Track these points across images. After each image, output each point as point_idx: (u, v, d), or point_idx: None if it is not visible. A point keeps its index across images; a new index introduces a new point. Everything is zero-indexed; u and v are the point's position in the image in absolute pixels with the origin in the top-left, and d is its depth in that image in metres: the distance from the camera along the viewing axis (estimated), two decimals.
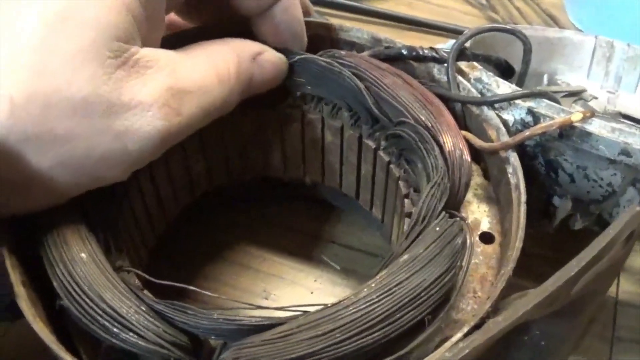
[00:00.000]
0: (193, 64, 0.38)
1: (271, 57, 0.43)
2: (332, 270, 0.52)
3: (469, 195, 0.43)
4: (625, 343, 0.52)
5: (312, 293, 0.50)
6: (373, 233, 0.53)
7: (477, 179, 0.44)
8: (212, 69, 0.39)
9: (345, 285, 0.51)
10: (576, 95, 0.55)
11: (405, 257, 0.35)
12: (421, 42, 0.48)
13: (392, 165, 0.44)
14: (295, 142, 0.49)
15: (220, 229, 0.54)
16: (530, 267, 0.35)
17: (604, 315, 0.53)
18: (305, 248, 0.53)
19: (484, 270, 0.39)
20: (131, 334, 0.32)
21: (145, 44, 0.36)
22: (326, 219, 0.55)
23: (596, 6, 0.77)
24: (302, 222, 0.55)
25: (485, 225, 0.41)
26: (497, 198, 0.42)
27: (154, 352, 0.33)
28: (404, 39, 0.66)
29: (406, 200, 0.41)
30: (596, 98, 0.56)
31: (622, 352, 0.51)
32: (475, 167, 0.45)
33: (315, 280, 0.51)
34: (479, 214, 0.42)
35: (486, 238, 0.40)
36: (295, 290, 0.51)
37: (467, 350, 0.29)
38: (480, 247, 0.40)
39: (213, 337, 0.34)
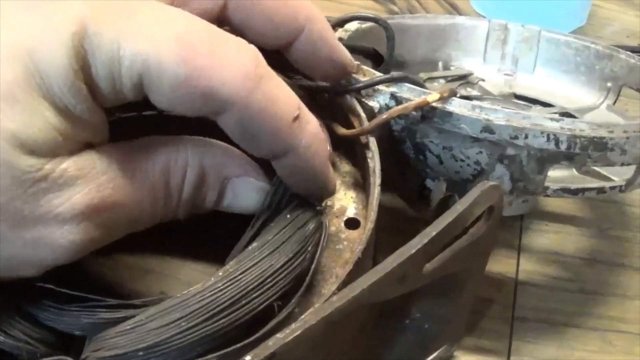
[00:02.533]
0: (139, 169, 0.33)
1: (252, 185, 0.37)
2: None
3: (337, 183, 0.43)
4: (527, 323, 0.52)
5: None
6: None
7: (346, 166, 0.44)
8: (162, 180, 0.34)
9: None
10: (463, 78, 0.55)
11: (254, 244, 0.35)
12: None
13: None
14: None
15: None
16: None
17: (504, 295, 0.54)
18: (201, 248, 0.53)
19: (347, 255, 0.39)
20: (0, 333, 0.33)
21: (85, 143, 0.32)
22: (220, 218, 0.54)
23: None
24: (197, 221, 0.54)
25: (351, 212, 0.41)
26: (364, 184, 0.42)
27: (21, 349, 0.33)
28: None
29: None
30: (483, 80, 0.57)
31: (523, 331, 0.52)
32: (344, 155, 0.45)
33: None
34: (345, 200, 0.42)
35: (352, 224, 0.41)
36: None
37: (298, 332, 0.29)
38: (345, 233, 0.40)
39: (77, 332, 0.34)
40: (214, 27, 0.32)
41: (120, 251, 0.51)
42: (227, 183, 0.36)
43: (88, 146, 0.32)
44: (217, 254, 0.51)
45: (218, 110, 0.32)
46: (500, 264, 0.56)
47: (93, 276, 0.50)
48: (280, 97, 0.33)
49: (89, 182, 0.31)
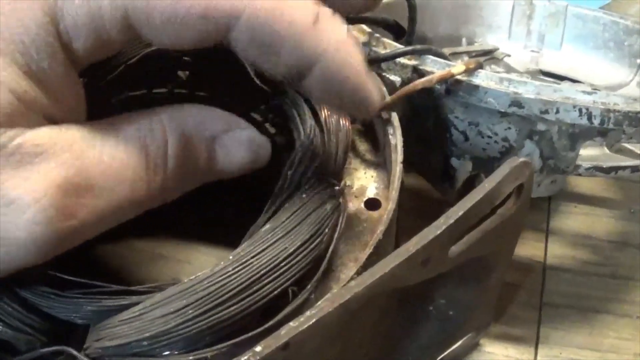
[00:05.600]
0: (110, 145, 0.29)
1: (242, 136, 0.33)
2: None
3: (356, 162, 0.41)
4: (555, 308, 0.50)
5: None
6: None
7: (366, 144, 0.42)
8: (139, 153, 0.30)
9: None
10: (488, 54, 0.53)
11: (267, 226, 0.33)
12: None
13: (276, 137, 0.42)
14: None
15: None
16: None
17: (532, 280, 0.51)
18: (213, 233, 0.51)
19: (368, 237, 0.37)
20: None
21: (51, 119, 0.29)
22: (232, 202, 0.53)
23: None
24: (210, 206, 0.53)
25: (371, 192, 0.39)
26: (385, 163, 0.40)
27: (20, 339, 0.32)
28: None
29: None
30: (509, 55, 0.55)
31: (552, 317, 0.50)
32: (364, 132, 0.43)
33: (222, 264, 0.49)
34: (365, 180, 0.40)
35: (372, 204, 0.38)
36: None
37: (313, 320, 0.27)
38: (365, 215, 0.38)
39: (79, 321, 0.32)
40: None
41: (132, 236, 0.49)
42: (215, 142, 0.33)
43: (59, 117, 0.29)
44: (231, 239, 0.49)
45: (224, 28, 0.28)
46: (528, 248, 0.53)
47: (103, 262, 0.48)
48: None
49: (56, 156, 0.28)
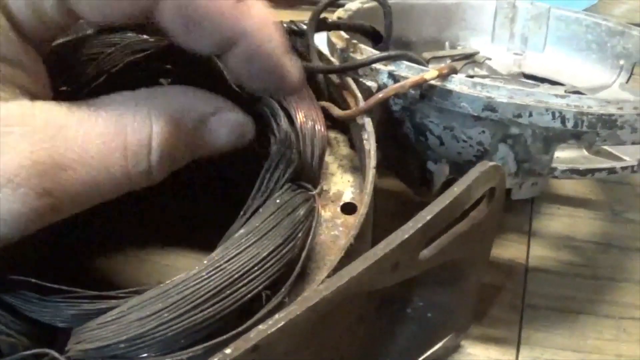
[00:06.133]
0: (89, 126, 0.29)
1: (229, 119, 0.34)
2: None
3: (333, 167, 0.41)
4: (537, 310, 0.51)
5: None
6: None
7: (343, 149, 0.43)
8: (118, 138, 0.29)
9: None
10: (469, 57, 0.53)
11: (241, 231, 0.34)
12: None
13: (255, 144, 0.42)
14: None
15: (116, 223, 0.52)
16: None
17: (513, 282, 0.52)
18: (200, 237, 0.52)
19: (343, 241, 0.37)
20: None
21: (27, 93, 0.29)
22: (217, 206, 0.53)
23: None
24: (196, 211, 0.53)
25: (348, 196, 0.40)
26: (361, 168, 0.41)
27: (3, 342, 0.32)
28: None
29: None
30: (489, 59, 0.55)
31: (534, 319, 0.50)
32: (342, 137, 0.44)
33: None
34: (342, 184, 0.40)
35: (348, 209, 0.39)
36: None
37: (282, 323, 0.28)
38: (341, 219, 0.38)
39: (60, 324, 0.33)
40: None
41: (117, 240, 0.49)
42: (202, 124, 0.33)
43: (21, 96, 0.28)
44: (217, 243, 0.49)
45: (151, 3, 0.29)
46: (510, 250, 0.54)
47: (88, 266, 0.49)
48: None
49: (33, 133, 0.28)
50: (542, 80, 0.60)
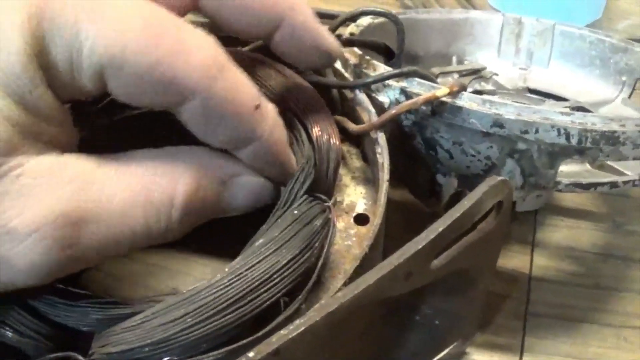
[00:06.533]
0: (115, 182, 0.30)
1: (248, 183, 0.35)
2: None
3: (347, 179, 0.43)
4: (540, 318, 0.52)
5: None
6: None
7: (356, 162, 0.44)
8: (142, 195, 0.30)
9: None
10: (476, 73, 0.55)
11: (261, 240, 0.35)
12: None
13: None
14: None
15: None
16: None
17: (518, 291, 0.53)
18: (212, 244, 0.53)
19: (357, 251, 0.39)
20: (7, 329, 0.34)
21: (55, 147, 0.30)
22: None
23: None
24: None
25: (360, 207, 0.41)
26: (374, 180, 0.42)
27: (28, 345, 0.34)
28: None
29: (282, 188, 0.41)
30: (496, 74, 0.57)
31: (537, 327, 0.51)
32: (355, 150, 0.45)
33: None
34: (355, 196, 0.42)
35: (361, 220, 0.40)
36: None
37: (302, 328, 0.29)
38: (354, 229, 0.40)
39: (84, 328, 0.34)
40: (176, 17, 0.31)
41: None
42: (223, 186, 0.34)
43: (51, 149, 0.30)
44: (229, 251, 0.51)
45: (180, 101, 0.31)
46: (514, 259, 0.55)
47: (104, 272, 0.50)
48: (241, 86, 0.32)
49: (59, 188, 0.29)
50: (547, 95, 0.61)
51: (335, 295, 0.31)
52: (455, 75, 0.57)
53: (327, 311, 0.30)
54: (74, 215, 0.29)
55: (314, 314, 0.30)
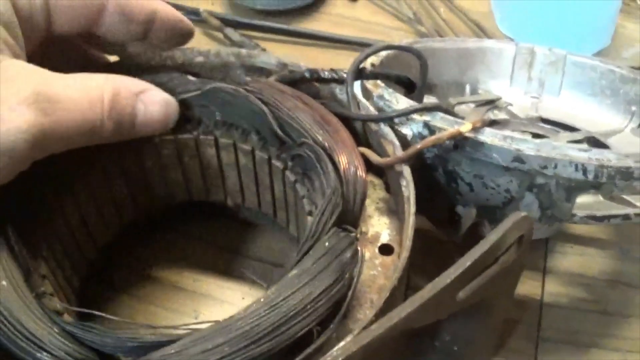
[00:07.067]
0: (65, 82, 0.39)
1: (157, 96, 0.44)
2: (259, 287, 0.53)
3: (371, 209, 0.44)
4: (551, 343, 0.53)
5: None
6: (296, 250, 0.54)
7: (379, 192, 0.46)
8: (84, 91, 0.39)
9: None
10: (491, 103, 0.56)
11: (294, 271, 0.37)
12: (352, 60, 0.49)
13: (297, 184, 0.45)
14: (212, 166, 0.51)
15: (151, 251, 0.55)
16: None
17: (529, 316, 0.55)
18: (233, 266, 0.55)
19: (382, 281, 0.40)
20: (45, 353, 0.35)
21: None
22: (251, 238, 0.56)
23: (524, 13, 0.79)
24: (229, 240, 0.56)
25: (385, 238, 0.43)
26: (397, 210, 0.44)
27: None
28: (337, 58, 0.68)
29: (309, 218, 0.43)
30: (511, 105, 0.58)
31: (548, 352, 0.53)
32: (378, 181, 0.46)
33: (242, 298, 0.53)
34: (379, 226, 0.43)
35: (385, 250, 0.42)
36: (223, 309, 0.52)
37: (340, 359, 0.31)
38: (379, 259, 0.41)
39: (120, 354, 0.36)
40: None
41: (155, 270, 0.52)
42: (137, 97, 0.42)
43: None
44: (249, 273, 0.53)
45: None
46: (526, 285, 0.57)
47: (129, 295, 0.52)
48: None
49: (31, 75, 0.38)
50: (558, 124, 0.62)
51: (369, 327, 0.32)
52: (471, 105, 0.58)
53: (363, 343, 0.32)
54: (44, 92, 0.37)
55: (350, 345, 0.31)
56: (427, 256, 0.39)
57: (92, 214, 0.48)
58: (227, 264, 0.55)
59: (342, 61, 0.51)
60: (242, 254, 0.56)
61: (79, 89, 0.39)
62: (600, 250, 0.61)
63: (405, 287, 0.40)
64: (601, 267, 0.59)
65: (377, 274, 0.40)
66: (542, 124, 0.61)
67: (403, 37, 0.79)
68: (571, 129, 0.61)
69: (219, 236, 0.57)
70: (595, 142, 0.55)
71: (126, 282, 0.54)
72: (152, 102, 0.43)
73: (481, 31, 0.78)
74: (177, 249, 0.56)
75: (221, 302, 0.53)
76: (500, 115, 0.60)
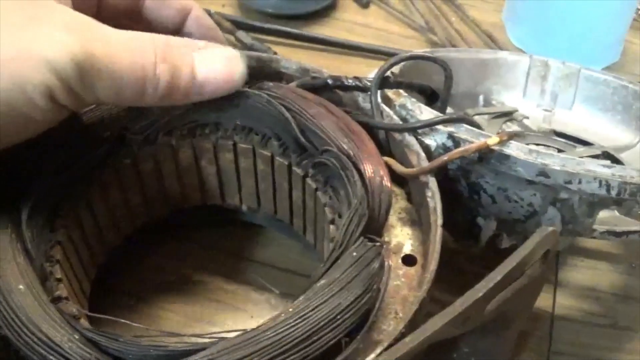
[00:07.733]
0: (114, 29, 0.38)
1: (217, 50, 0.41)
2: (272, 294, 0.53)
3: (393, 219, 0.44)
4: (562, 356, 0.53)
5: (252, 317, 0.51)
6: (310, 257, 0.54)
7: (401, 202, 0.45)
8: (134, 35, 0.39)
9: (283, 308, 0.52)
10: (507, 115, 0.56)
11: (322, 282, 0.36)
12: (363, 67, 0.49)
13: (319, 192, 0.45)
14: (229, 171, 0.50)
15: (162, 257, 0.55)
16: (464, 285, 0.37)
17: (541, 329, 0.55)
18: (245, 273, 0.54)
19: (405, 291, 0.40)
20: None
21: None
22: (265, 244, 0.56)
23: (535, 25, 0.79)
24: (243, 247, 0.56)
25: (407, 248, 0.42)
26: (420, 221, 0.44)
27: None
28: (347, 65, 0.68)
29: (331, 226, 0.42)
30: (527, 118, 0.58)
31: None
32: (400, 191, 0.46)
33: (255, 305, 0.52)
34: (402, 237, 0.43)
35: (408, 260, 0.42)
36: (236, 315, 0.52)
37: None
38: (402, 270, 0.41)
39: None
40: None
41: (164, 275, 0.52)
42: (193, 51, 0.40)
43: None
44: (250, 279, 0.52)
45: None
46: (538, 299, 0.56)
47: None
48: None
49: (79, 18, 0.37)
50: (570, 138, 0.62)
51: (403, 340, 0.32)
52: (486, 117, 0.58)
53: (396, 356, 0.31)
54: (95, 29, 0.37)
55: (385, 358, 0.31)
56: (446, 266, 0.38)
57: (106, 220, 0.48)
58: (238, 270, 0.55)
59: (353, 68, 0.51)
60: (253, 259, 0.55)
61: (129, 35, 0.38)
62: (610, 264, 0.61)
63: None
64: (611, 281, 0.59)
65: (400, 284, 0.40)
66: (556, 138, 0.61)
67: (415, 45, 0.79)
68: (583, 142, 0.61)
69: (229, 241, 0.56)
70: (609, 158, 0.55)
71: (136, 288, 0.53)
72: (211, 54, 0.41)
73: (492, 42, 0.78)
74: (187, 254, 0.56)
75: (234, 308, 0.52)
76: (513, 127, 0.60)
